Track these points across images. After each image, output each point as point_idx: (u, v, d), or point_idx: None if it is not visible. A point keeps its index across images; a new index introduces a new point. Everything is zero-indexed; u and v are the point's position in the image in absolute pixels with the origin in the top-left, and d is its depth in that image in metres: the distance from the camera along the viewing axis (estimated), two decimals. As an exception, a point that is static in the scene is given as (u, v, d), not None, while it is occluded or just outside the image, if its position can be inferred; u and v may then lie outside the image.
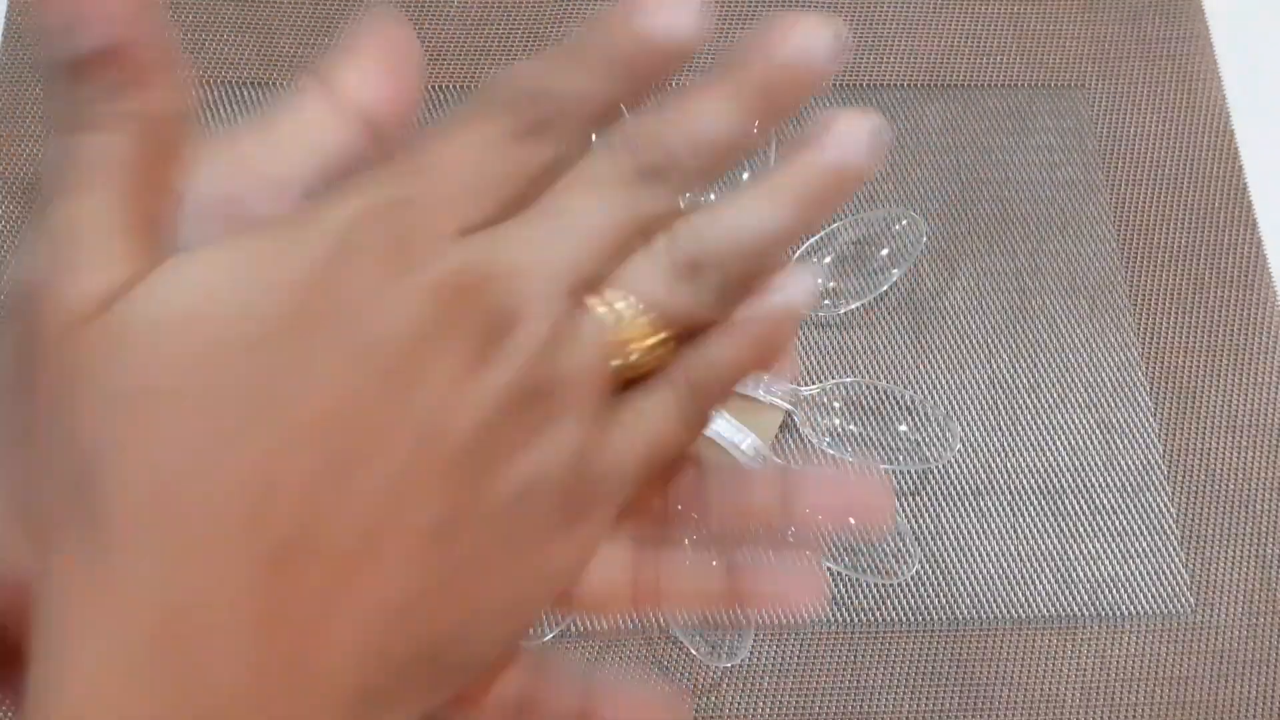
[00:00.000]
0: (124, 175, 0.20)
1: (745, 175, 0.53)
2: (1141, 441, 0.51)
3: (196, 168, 0.22)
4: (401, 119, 0.25)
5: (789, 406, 0.49)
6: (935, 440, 0.49)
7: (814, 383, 0.51)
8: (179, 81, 0.21)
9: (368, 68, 0.25)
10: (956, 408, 0.51)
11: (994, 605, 0.48)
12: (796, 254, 0.52)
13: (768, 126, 0.24)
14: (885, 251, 0.52)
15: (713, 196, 0.26)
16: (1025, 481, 0.50)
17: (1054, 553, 0.49)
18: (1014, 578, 0.49)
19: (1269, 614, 0.49)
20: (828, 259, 0.52)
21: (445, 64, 0.56)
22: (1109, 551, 0.49)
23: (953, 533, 0.49)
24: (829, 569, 0.48)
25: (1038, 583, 0.49)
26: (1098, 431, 0.51)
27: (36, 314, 0.19)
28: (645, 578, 0.26)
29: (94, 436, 0.18)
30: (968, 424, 0.51)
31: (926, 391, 0.51)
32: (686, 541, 0.26)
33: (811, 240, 0.52)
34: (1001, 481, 0.50)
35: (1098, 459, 0.51)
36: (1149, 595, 0.49)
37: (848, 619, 0.48)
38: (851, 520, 0.25)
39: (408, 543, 0.19)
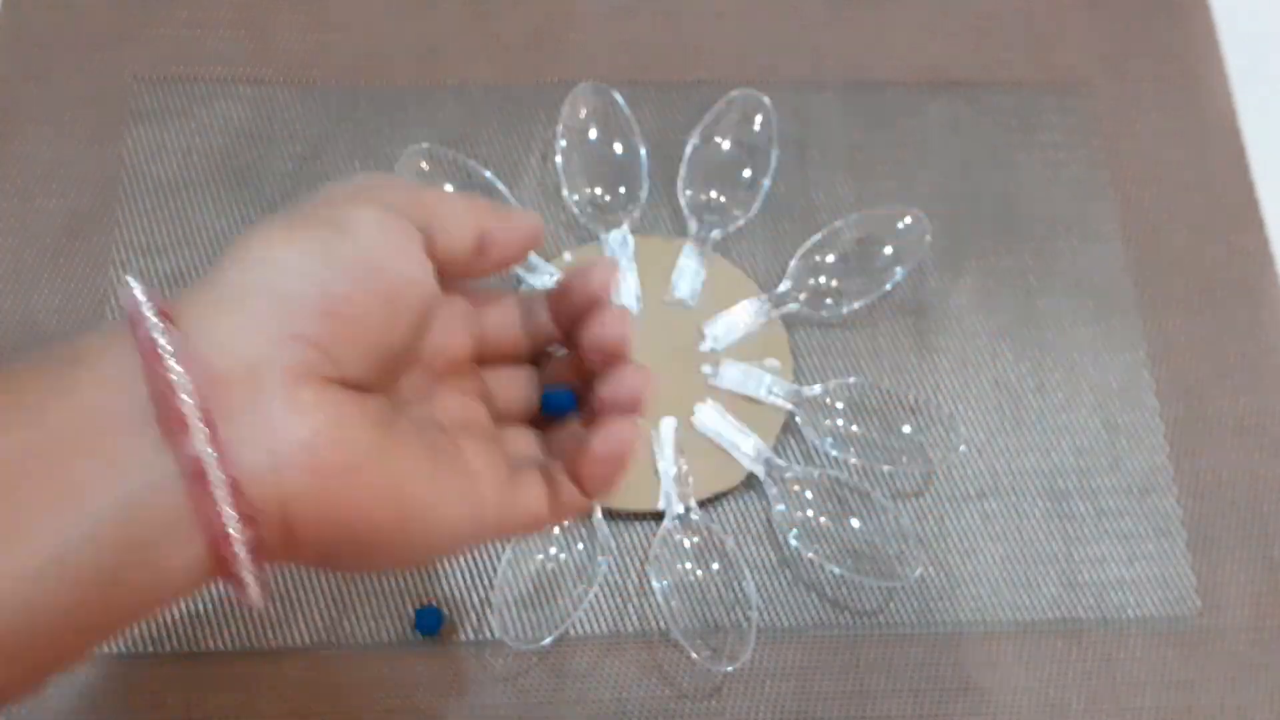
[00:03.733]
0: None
1: (745, 172, 0.53)
2: (1148, 444, 0.51)
3: None
4: (505, 257, 0.34)
5: (791, 407, 0.49)
6: (939, 442, 0.48)
7: (816, 383, 0.50)
8: None
9: (509, 227, 0.34)
10: (961, 409, 0.51)
11: (998, 608, 0.48)
12: (798, 254, 0.51)
13: None
14: (889, 251, 0.51)
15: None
16: (1030, 483, 0.50)
17: (1059, 555, 0.49)
18: (1019, 581, 0.48)
19: (1277, 618, 0.48)
20: (830, 257, 0.51)
21: (442, 60, 0.56)
22: (1115, 554, 0.49)
23: (957, 535, 0.49)
24: (833, 572, 0.47)
25: (1043, 586, 0.48)
26: (1104, 433, 0.51)
27: None
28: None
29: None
30: (972, 425, 0.51)
31: (930, 392, 0.51)
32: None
33: (815, 238, 0.51)
34: (1006, 483, 0.50)
35: (1104, 461, 0.50)
36: (1155, 599, 0.48)
37: (851, 622, 0.47)
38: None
39: None
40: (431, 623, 0.45)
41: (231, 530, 0.25)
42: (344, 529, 0.28)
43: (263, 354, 0.26)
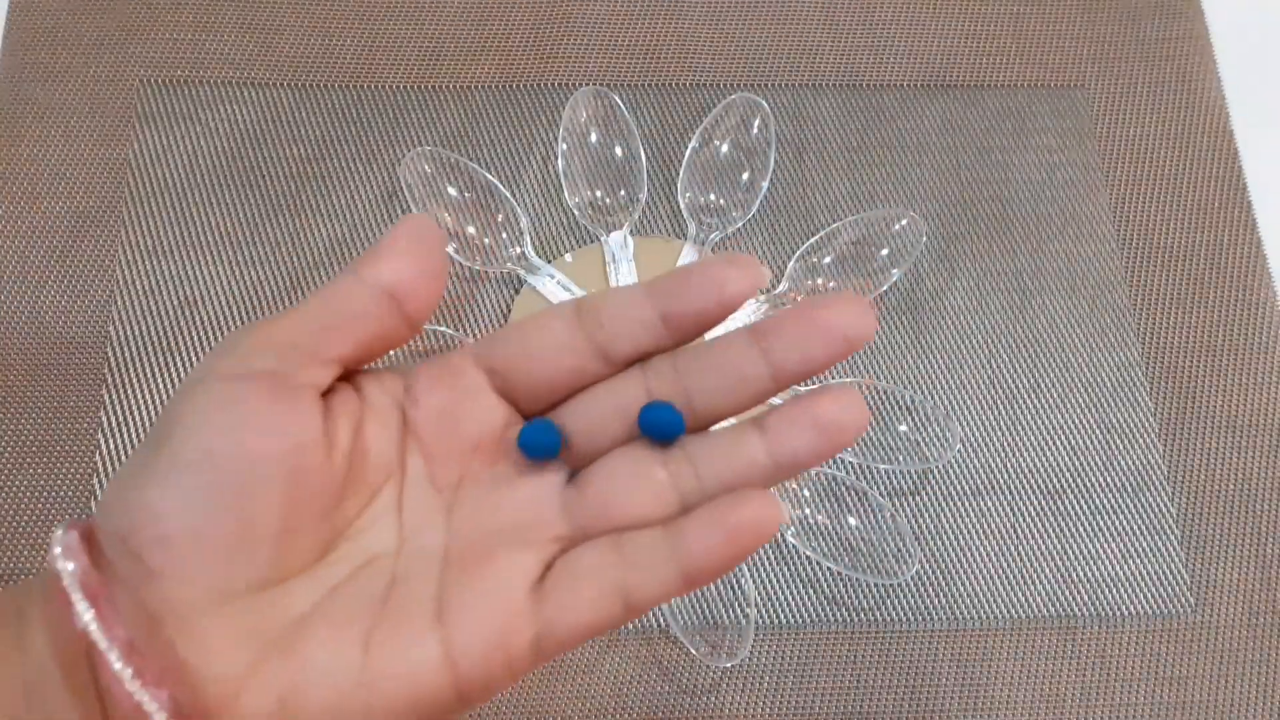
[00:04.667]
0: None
1: (744, 175, 0.53)
2: (1141, 441, 0.51)
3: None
4: (431, 302, 0.28)
5: (789, 406, 0.49)
6: (935, 440, 0.49)
7: (814, 382, 0.51)
8: None
9: (400, 261, 0.28)
10: (956, 408, 0.51)
11: (994, 605, 0.48)
12: (796, 256, 0.52)
13: (783, 388, 0.28)
14: (885, 252, 0.52)
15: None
16: (1025, 481, 0.50)
17: (1054, 553, 0.49)
18: (1014, 578, 0.49)
19: (1269, 614, 0.49)
20: (828, 259, 0.52)
21: (444, 63, 0.56)
22: (1109, 551, 0.49)
23: (953, 533, 0.49)
24: (830, 568, 0.48)
25: (1038, 583, 0.49)
26: (1098, 431, 0.51)
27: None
28: (684, 479, 0.28)
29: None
30: (968, 424, 0.51)
31: (926, 391, 0.52)
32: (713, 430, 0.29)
33: (811, 240, 0.52)
34: (1001, 481, 0.50)
35: (1098, 459, 0.51)
36: (1149, 595, 0.49)
37: (848, 619, 0.48)
38: (840, 337, 0.27)
39: None
40: (536, 438, 0.29)
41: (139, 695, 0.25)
42: None
43: (122, 602, 0.25)
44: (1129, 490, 0.50)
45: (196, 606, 0.25)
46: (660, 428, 0.28)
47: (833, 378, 0.51)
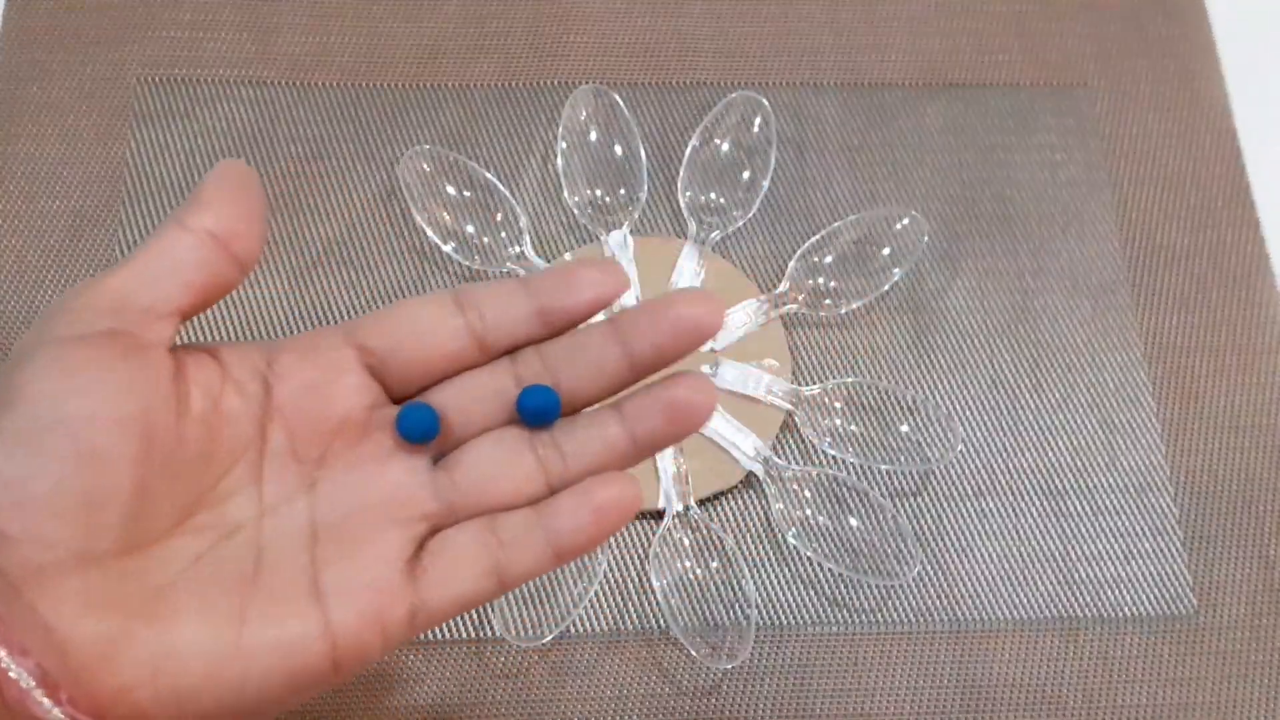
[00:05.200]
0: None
1: (745, 174, 0.53)
2: (1144, 442, 0.51)
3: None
4: (256, 242, 0.29)
5: (789, 406, 0.49)
6: (937, 441, 0.49)
7: (815, 383, 0.51)
8: None
9: (222, 207, 0.29)
10: (958, 408, 0.51)
11: (996, 606, 0.48)
12: (796, 255, 0.52)
13: (640, 376, 0.31)
14: (887, 251, 0.52)
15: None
16: (1027, 482, 0.50)
17: (1056, 554, 0.49)
18: (1016, 579, 0.49)
19: (1272, 615, 0.48)
20: (829, 258, 0.52)
21: (443, 61, 0.56)
22: (1111, 553, 0.49)
23: (954, 534, 0.49)
24: (831, 569, 0.48)
25: (1040, 584, 0.49)
26: (1100, 432, 0.51)
27: None
28: (551, 461, 0.30)
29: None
30: (969, 424, 0.51)
31: (928, 392, 0.51)
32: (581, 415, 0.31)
33: (812, 240, 0.52)
34: (1003, 482, 0.50)
35: (1100, 460, 0.51)
36: (1152, 597, 0.49)
37: (849, 620, 0.47)
38: (690, 328, 0.29)
39: None
40: (417, 422, 0.30)
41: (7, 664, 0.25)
42: None
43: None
44: (1132, 491, 0.50)
45: (56, 571, 0.25)
46: (539, 411, 0.30)
47: (832, 379, 0.51)
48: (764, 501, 0.49)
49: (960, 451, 0.50)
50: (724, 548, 0.47)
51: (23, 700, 0.25)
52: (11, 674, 0.25)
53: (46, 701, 0.25)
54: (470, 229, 0.51)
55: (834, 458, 0.49)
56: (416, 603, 0.29)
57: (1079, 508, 0.50)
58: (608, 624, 0.47)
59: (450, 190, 0.52)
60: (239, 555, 0.28)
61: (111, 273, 0.28)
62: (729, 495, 0.49)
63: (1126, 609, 0.48)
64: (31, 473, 0.25)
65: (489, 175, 0.52)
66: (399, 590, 0.28)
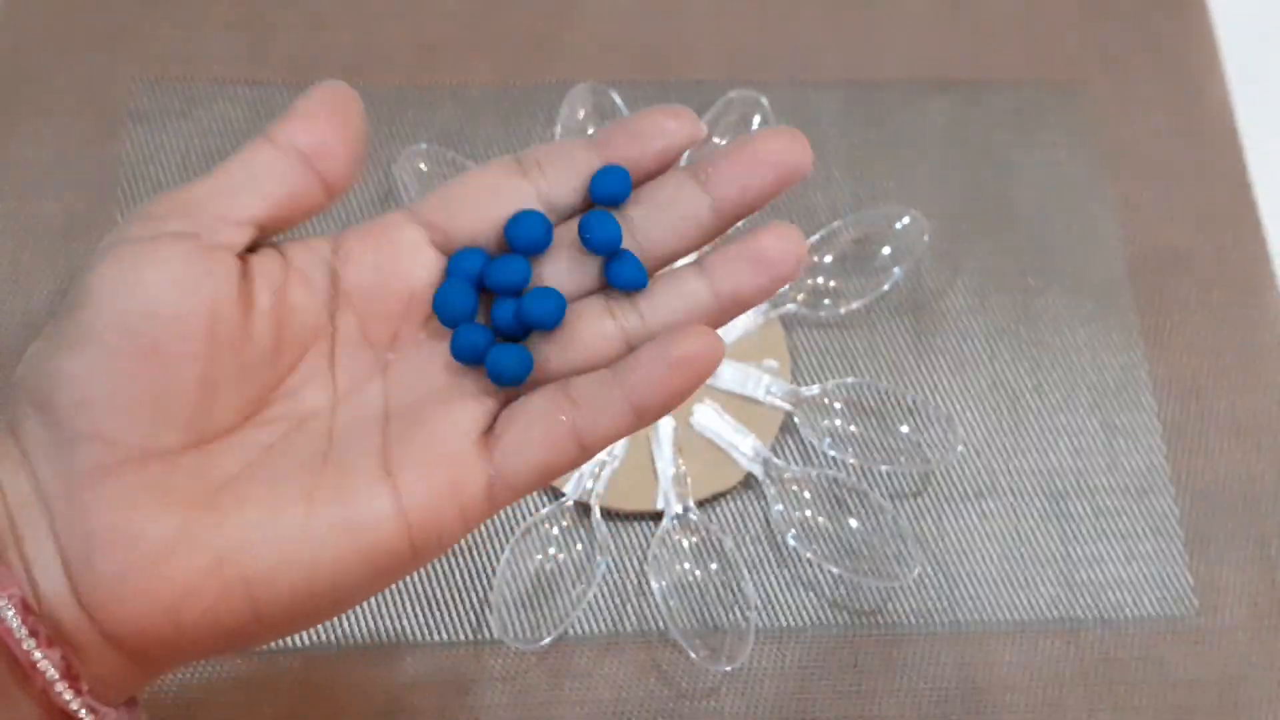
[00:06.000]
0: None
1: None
2: (1146, 443, 0.51)
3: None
4: (347, 165, 0.28)
5: (789, 407, 0.49)
6: (937, 442, 0.49)
7: (814, 383, 0.50)
8: None
9: (314, 123, 0.28)
10: (959, 409, 0.51)
11: (996, 608, 0.48)
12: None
13: (727, 223, 0.29)
14: (887, 250, 0.51)
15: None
16: (1028, 483, 0.50)
17: (1057, 555, 0.49)
18: (1017, 580, 0.48)
19: (1274, 617, 0.48)
20: (828, 258, 0.51)
21: (440, 60, 0.56)
22: (1113, 554, 0.49)
23: (955, 535, 0.49)
24: (831, 572, 0.47)
25: (1040, 585, 0.48)
26: (1101, 433, 0.51)
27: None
28: (629, 322, 0.29)
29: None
30: (970, 425, 0.51)
31: (928, 392, 0.51)
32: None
33: (812, 239, 0.51)
34: (1004, 483, 0.50)
35: (1101, 461, 0.50)
36: (1153, 598, 0.48)
37: (849, 622, 0.47)
38: (776, 164, 0.28)
39: None
40: (515, 366, 0.29)
41: (35, 655, 0.24)
42: (185, 628, 0.25)
43: (44, 473, 0.25)
44: (1133, 492, 0.50)
45: (120, 468, 0.25)
46: (627, 280, 0.29)
47: (832, 379, 0.51)
48: (763, 503, 0.48)
49: (960, 452, 0.50)
50: (723, 549, 0.47)
51: (49, 690, 0.25)
52: (39, 665, 0.24)
53: (69, 694, 0.25)
54: (468, 229, 0.51)
55: (834, 459, 0.49)
56: (493, 474, 0.27)
57: (1080, 509, 0.50)
58: (606, 626, 0.47)
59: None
60: (310, 443, 0.28)
61: (194, 182, 0.28)
62: (728, 496, 0.49)
63: (1128, 610, 0.48)
64: (97, 370, 0.25)
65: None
66: (473, 462, 0.27)
